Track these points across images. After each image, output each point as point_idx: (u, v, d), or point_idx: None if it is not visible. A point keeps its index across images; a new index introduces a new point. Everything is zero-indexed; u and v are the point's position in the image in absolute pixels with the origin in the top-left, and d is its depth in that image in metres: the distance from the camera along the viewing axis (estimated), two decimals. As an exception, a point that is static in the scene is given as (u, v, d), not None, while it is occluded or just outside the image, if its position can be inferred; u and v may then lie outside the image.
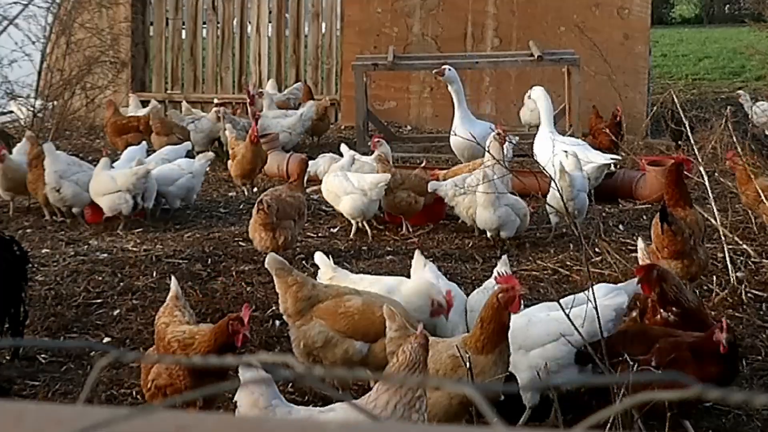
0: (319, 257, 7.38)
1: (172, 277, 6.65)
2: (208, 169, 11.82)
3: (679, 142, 13.23)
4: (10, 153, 11.37)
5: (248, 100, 13.79)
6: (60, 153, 11.01)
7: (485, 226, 9.76)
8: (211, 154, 12.00)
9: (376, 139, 11.18)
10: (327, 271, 7.17)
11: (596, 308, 5.88)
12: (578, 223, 9.05)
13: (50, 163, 10.63)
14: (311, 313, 6.42)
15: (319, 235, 10.32)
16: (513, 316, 6.24)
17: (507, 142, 10.46)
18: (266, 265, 6.63)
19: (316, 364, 6.28)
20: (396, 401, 4.82)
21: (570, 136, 12.66)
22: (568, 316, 5.82)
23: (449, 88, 12.71)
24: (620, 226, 10.59)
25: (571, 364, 6.18)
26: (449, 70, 12.73)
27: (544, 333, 6.19)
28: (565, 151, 10.51)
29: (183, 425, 1.29)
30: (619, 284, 6.82)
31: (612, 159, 11.33)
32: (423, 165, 10.89)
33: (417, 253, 7.53)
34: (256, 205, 9.00)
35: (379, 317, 6.24)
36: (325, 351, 6.37)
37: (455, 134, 12.06)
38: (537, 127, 12.29)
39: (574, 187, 9.82)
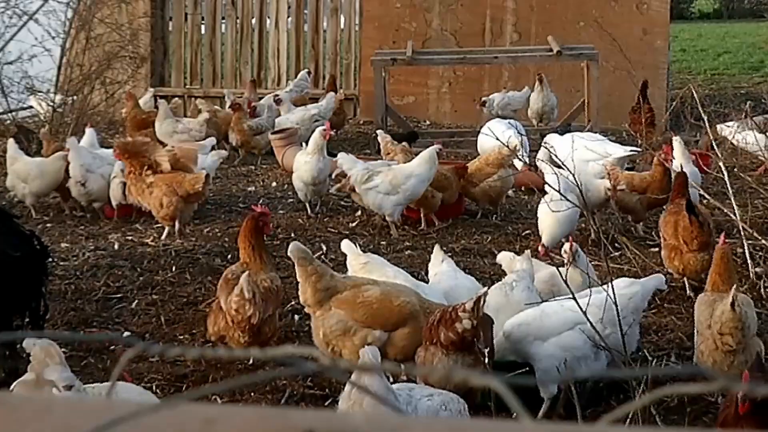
0: (345, 245, 7.42)
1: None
2: (225, 164, 11.83)
3: (697, 138, 13.14)
4: (27, 149, 11.38)
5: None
6: (83, 146, 11.01)
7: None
8: (224, 152, 12.00)
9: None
10: (357, 258, 7.19)
11: (615, 303, 5.88)
12: (596, 219, 9.06)
13: (75, 157, 10.54)
14: (330, 303, 6.45)
15: (340, 230, 10.32)
16: (526, 309, 6.35)
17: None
18: (289, 253, 6.63)
19: (336, 356, 6.31)
20: None
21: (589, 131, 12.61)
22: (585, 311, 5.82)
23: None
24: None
25: (588, 355, 6.19)
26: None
27: (559, 322, 6.21)
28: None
29: (210, 418, 1.30)
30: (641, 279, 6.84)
31: (631, 151, 11.25)
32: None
33: (436, 247, 7.53)
34: None
35: (398, 306, 6.26)
36: (344, 340, 6.39)
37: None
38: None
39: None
